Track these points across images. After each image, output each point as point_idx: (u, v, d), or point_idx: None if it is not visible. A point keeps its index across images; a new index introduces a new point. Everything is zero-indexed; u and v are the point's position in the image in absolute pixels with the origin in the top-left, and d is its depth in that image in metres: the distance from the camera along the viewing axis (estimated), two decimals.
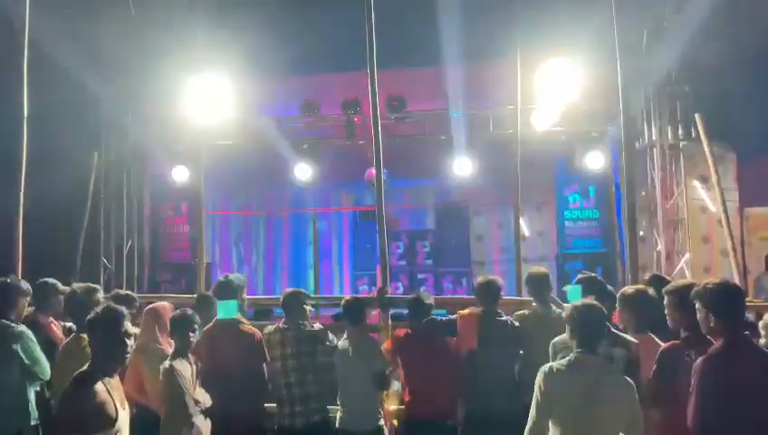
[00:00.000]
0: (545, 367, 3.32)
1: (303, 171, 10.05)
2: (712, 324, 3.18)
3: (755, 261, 9.33)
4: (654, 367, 3.53)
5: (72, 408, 3.06)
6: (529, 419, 3.31)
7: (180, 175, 9.93)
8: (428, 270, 12.69)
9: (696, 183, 9.16)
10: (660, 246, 8.55)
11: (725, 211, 7.64)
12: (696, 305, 3.25)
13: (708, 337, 3.33)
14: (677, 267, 8.49)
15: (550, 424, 3.25)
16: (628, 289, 4.08)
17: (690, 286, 3.50)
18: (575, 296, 4.10)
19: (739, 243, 10.09)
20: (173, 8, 8.96)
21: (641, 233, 8.89)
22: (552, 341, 3.92)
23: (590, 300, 3.41)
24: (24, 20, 6.40)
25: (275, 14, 9.44)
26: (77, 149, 9.13)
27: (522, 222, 11.86)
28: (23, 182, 6.14)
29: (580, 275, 4.26)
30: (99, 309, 3.31)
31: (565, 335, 3.61)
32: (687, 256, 8.49)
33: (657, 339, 3.81)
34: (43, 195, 7.04)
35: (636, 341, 3.75)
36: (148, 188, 10.73)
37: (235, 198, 12.27)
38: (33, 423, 4.52)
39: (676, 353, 3.48)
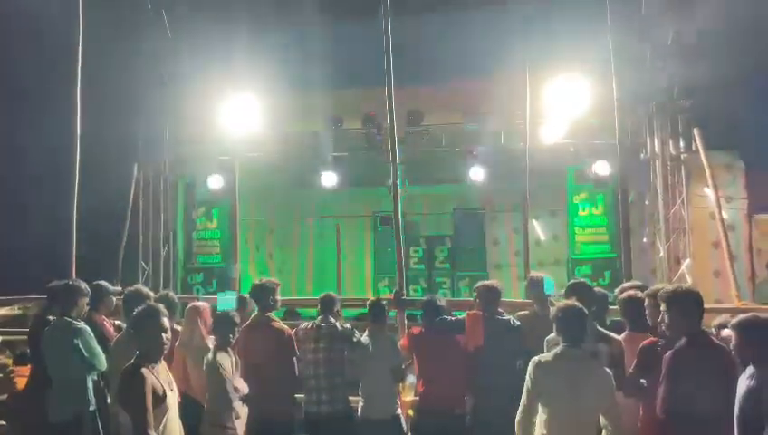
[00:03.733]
0: (535, 359, 3.85)
1: (328, 180, 10.61)
2: (672, 323, 3.71)
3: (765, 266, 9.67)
4: (634, 361, 4.05)
5: (128, 392, 3.62)
6: (521, 403, 3.84)
7: (213, 184, 10.53)
8: (446, 274, 13.17)
9: (707, 190, 9.51)
10: (663, 253, 8.97)
11: (722, 219, 8.06)
12: (662, 307, 3.79)
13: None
14: (678, 272, 8.90)
15: (539, 407, 3.78)
16: (621, 295, 4.62)
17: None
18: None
19: (747, 249, 10.48)
20: (206, 30, 9.60)
21: (645, 240, 9.32)
22: (547, 338, 4.43)
23: (573, 301, 3.94)
24: (77, 46, 7.07)
25: (302, 34, 10.04)
26: (119, 162, 9.83)
27: (537, 227, 12.44)
28: (76, 196, 6.79)
29: (571, 281, 4.77)
30: (140, 308, 3.90)
31: None
32: (688, 261, 8.89)
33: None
34: (88, 204, 7.67)
35: (618, 338, 4.27)
36: (182, 197, 11.34)
37: (263, 205, 12.85)
38: (91, 409, 5.05)
39: (652, 349, 3.99)
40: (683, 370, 3.60)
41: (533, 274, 5.51)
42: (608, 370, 3.80)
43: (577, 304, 3.89)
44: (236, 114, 9.13)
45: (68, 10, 7.26)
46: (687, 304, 3.75)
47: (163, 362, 3.85)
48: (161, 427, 3.62)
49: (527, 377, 3.83)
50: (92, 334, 5.13)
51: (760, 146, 10.72)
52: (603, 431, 3.83)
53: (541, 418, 3.75)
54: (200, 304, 5.40)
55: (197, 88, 9.48)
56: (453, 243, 13.03)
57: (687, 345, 3.66)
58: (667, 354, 3.68)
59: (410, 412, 5.83)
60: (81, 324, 5.13)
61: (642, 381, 3.95)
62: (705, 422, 3.54)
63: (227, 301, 5.26)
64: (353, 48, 9.43)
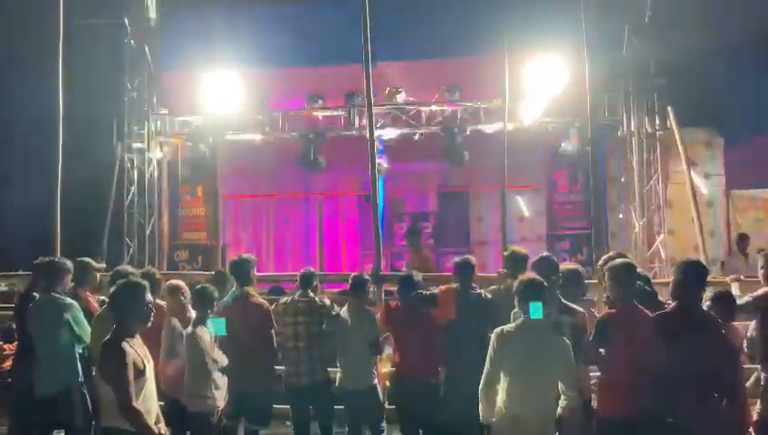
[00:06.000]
0: (497, 329, 4.04)
1: (310, 158, 10.66)
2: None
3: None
4: (592, 332, 4.25)
5: (110, 365, 3.73)
6: (484, 371, 4.04)
7: (196, 161, 10.59)
8: (431, 250, 13.33)
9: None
10: (638, 229, 9.17)
11: (694, 195, 8.27)
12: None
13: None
14: (653, 247, 9.11)
15: (501, 375, 3.98)
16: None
17: (625, 264, 4.27)
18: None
19: (725, 224, 10.74)
20: (189, 4, 9.63)
21: (621, 216, 9.51)
22: (513, 311, 4.59)
23: (533, 275, 4.12)
24: (59, 21, 7.12)
25: (283, 10, 10.09)
26: (103, 140, 9.89)
27: (521, 203, 12.59)
28: (59, 174, 6.90)
29: (537, 257, 4.96)
30: (119, 282, 4.01)
31: None
32: (662, 236, 9.10)
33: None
34: (73, 182, 7.78)
35: (582, 310, 4.47)
36: (166, 174, 11.40)
37: (247, 182, 12.93)
38: (79, 380, 5.24)
39: (609, 320, 4.19)
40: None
41: (515, 248, 5.65)
42: (566, 340, 3.99)
43: (537, 277, 4.07)
44: (219, 92, 9.21)
45: None
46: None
47: (138, 335, 3.92)
48: (140, 398, 3.74)
49: (490, 347, 4.02)
50: (80, 309, 5.28)
51: (738, 123, 10.93)
52: (562, 397, 4.03)
53: (502, 385, 3.95)
54: (177, 281, 5.53)
55: (181, 65, 9.53)
56: (437, 220, 13.20)
57: (679, 311, 3.99)
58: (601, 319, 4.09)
59: (387, 383, 6.03)
60: (70, 299, 5.28)
61: (600, 350, 4.15)
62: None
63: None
64: (335, 26, 9.49)
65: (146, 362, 3.85)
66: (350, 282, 5.74)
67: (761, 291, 5.12)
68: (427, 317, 5.42)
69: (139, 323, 3.88)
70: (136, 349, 3.80)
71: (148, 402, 3.83)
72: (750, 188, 11.02)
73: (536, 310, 4.20)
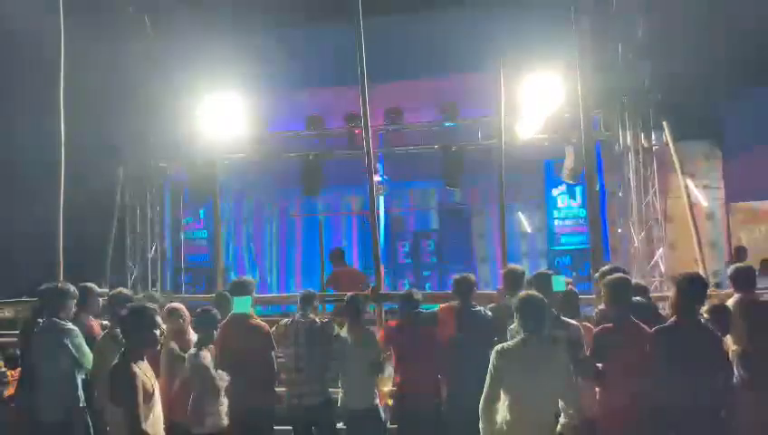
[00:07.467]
0: (498, 347, 4.05)
1: (311, 180, 10.72)
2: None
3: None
4: (589, 348, 4.28)
5: (120, 388, 3.75)
6: (484, 388, 4.05)
7: (198, 184, 10.63)
8: (433, 267, 13.39)
9: (688, 181, 9.70)
10: (636, 243, 9.20)
11: (691, 208, 8.32)
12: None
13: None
14: (652, 261, 9.13)
15: (501, 392, 3.99)
16: None
17: (621, 280, 4.31)
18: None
19: (725, 236, 10.76)
20: (188, 29, 9.72)
21: (619, 230, 9.53)
22: (510, 327, 4.62)
23: (533, 292, 4.15)
24: (59, 48, 7.21)
25: (283, 33, 10.19)
26: (104, 165, 9.95)
27: (523, 219, 12.64)
28: (62, 199, 6.95)
29: (534, 272, 5.00)
30: (129, 306, 4.08)
31: None
32: (661, 250, 9.12)
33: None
34: (75, 207, 7.82)
35: (576, 324, 4.50)
36: (168, 198, 11.46)
37: (248, 204, 13.00)
38: (81, 405, 5.25)
39: (605, 336, 4.23)
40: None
41: (512, 266, 5.69)
42: (565, 356, 4.00)
43: (536, 293, 4.10)
44: (219, 114, 9.26)
45: (50, 12, 7.38)
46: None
47: (146, 359, 3.96)
48: (149, 421, 3.77)
49: (490, 364, 4.03)
50: (81, 334, 5.30)
51: (736, 135, 10.98)
52: (562, 414, 4.04)
53: (503, 403, 3.96)
54: (176, 304, 5.56)
55: (180, 89, 9.60)
56: (439, 237, 13.25)
57: (680, 324, 4.01)
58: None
59: (389, 402, 6.04)
60: (71, 325, 5.30)
61: (598, 365, 4.18)
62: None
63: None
64: (334, 47, 9.58)
65: (154, 384, 3.89)
66: (346, 302, 5.77)
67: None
68: (427, 336, 5.45)
69: (148, 346, 3.94)
70: (144, 372, 3.85)
71: (156, 426, 3.87)
72: (749, 199, 11.06)
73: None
